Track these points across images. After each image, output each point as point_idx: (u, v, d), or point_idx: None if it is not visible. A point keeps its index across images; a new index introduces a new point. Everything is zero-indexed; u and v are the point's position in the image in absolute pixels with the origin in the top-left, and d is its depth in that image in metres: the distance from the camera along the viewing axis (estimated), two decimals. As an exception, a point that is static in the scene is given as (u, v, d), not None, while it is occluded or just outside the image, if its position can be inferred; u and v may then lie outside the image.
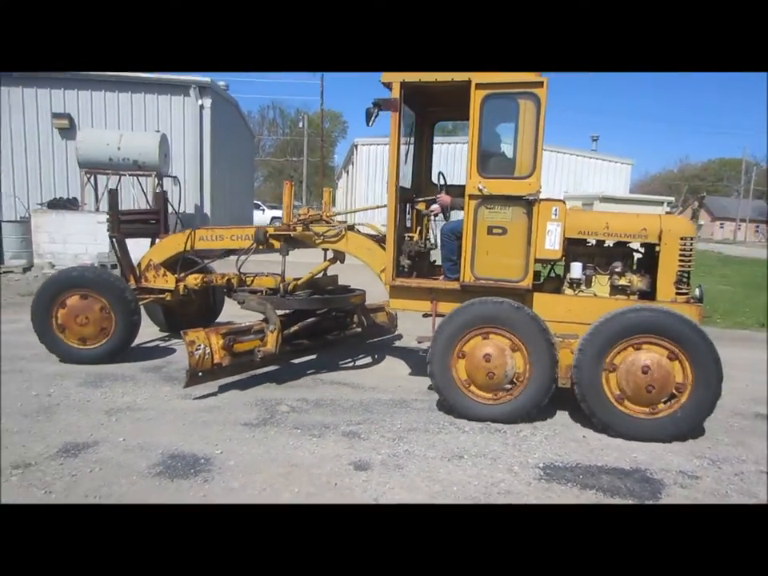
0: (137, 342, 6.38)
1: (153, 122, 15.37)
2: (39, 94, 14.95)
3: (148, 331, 7.13)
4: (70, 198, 14.12)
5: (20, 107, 14.94)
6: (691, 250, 4.65)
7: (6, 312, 8.36)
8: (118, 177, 13.57)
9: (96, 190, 13.80)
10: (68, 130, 15.05)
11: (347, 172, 31.92)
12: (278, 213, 28.33)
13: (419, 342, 5.16)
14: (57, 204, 13.40)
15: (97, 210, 13.21)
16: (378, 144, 27.99)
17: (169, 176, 14.12)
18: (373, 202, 24.62)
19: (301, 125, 52.24)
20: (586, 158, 28.12)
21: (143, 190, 14.16)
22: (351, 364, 6.48)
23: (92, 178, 13.68)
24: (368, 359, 6.65)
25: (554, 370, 4.48)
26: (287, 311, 5.95)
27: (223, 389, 5.30)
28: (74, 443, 4.03)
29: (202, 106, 15.35)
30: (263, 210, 31.74)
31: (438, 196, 5.55)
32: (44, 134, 15.13)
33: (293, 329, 5.77)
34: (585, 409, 4.45)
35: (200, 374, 5.02)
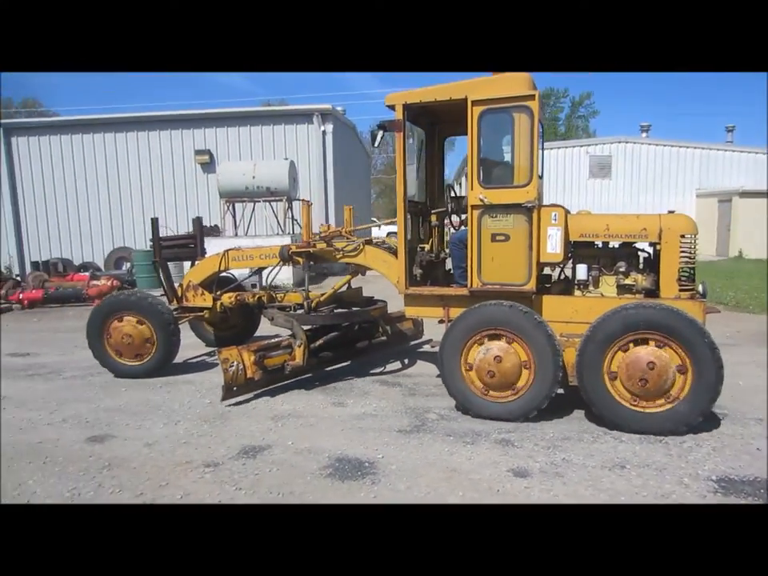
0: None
1: (281, 149, 16.50)
2: (184, 134, 16.63)
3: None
4: (212, 225, 15.49)
5: (169, 147, 16.69)
6: (692, 246, 4.73)
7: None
8: (252, 203, 14.69)
9: (234, 216, 15.03)
10: (208, 165, 16.58)
11: (460, 184, 31.93)
12: (392, 228, 28.92)
13: (433, 347, 5.32)
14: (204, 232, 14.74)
15: (235, 234, 14.36)
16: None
17: (297, 199, 15.03)
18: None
19: (411, 140, 53.11)
20: (719, 150, 25.99)
21: (275, 214, 15.20)
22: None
23: (230, 206, 14.92)
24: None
25: (557, 368, 4.60)
26: (313, 326, 6.26)
27: (373, 399, 5.57)
28: (251, 446, 4.44)
29: (324, 132, 16.21)
30: (379, 226, 32.52)
31: (455, 221, 5.98)
32: (188, 170, 16.77)
33: (318, 342, 6.09)
34: (585, 400, 4.60)
35: (235, 388, 5.42)
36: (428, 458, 4.15)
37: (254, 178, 14.24)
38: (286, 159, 15.03)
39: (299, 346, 5.77)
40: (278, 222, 15.10)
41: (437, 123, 6.34)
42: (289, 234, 13.59)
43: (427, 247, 5.95)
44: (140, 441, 4.62)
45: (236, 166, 14.78)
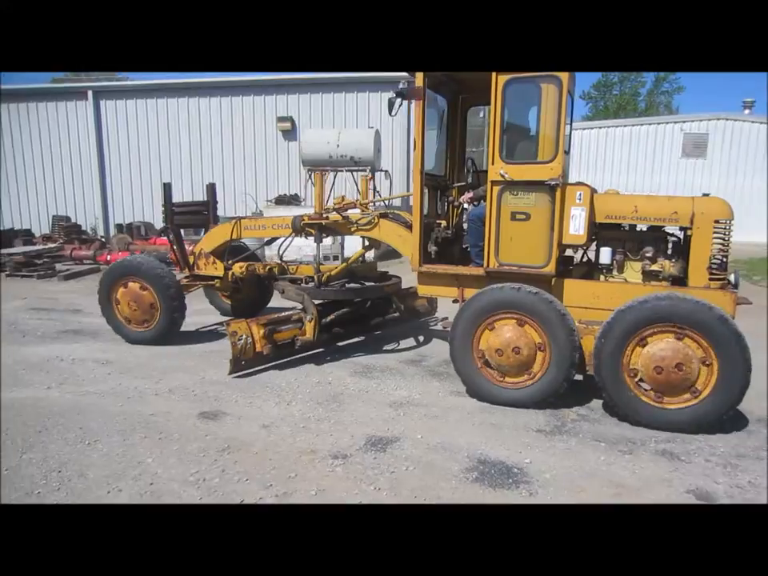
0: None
1: (363, 118, 15.95)
2: (267, 100, 16.33)
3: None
4: (293, 194, 15.23)
5: (251, 113, 16.46)
6: (727, 233, 4.41)
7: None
8: (335, 172, 14.28)
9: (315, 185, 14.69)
10: (290, 132, 16.25)
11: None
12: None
13: (444, 328, 5.15)
14: (282, 200, 14.52)
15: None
16: (575, 129, 26.45)
17: (381, 170, 14.52)
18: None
19: (481, 114, 51.56)
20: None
21: (356, 183, 14.76)
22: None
23: (311, 174, 14.58)
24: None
25: (573, 357, 4.38)
26: (324, 300, 6.07)
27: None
28: (376, 436, 4.04)
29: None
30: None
31: (462, 197, 5.58)
32: (270, 137, 16.50)
33: (329, 317, 5.91)
34: (605, 397, 4.36)
35: (243, 361, 5.30)
36: (584, 467, 3.61)
37: (338, 146, 13.77)
38: (371, 128, 14.50)
39: (310, 321, 5.61)
40: (357, 191, 14.65)
41: (461, 92, 5.98)
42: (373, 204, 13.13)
43: (444, 223, 5.58)
44: (255, 421, 4.30)
45: (320, 134, 14.34)
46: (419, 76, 4.88)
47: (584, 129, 26.31)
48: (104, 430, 4.11)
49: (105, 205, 17.68)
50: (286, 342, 5.57)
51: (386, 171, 14.45)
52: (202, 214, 7.29)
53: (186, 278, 6.96)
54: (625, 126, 25.62)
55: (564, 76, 4.34)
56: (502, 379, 4.65)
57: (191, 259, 6.93)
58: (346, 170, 14.08)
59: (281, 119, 16.16)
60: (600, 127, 26.12)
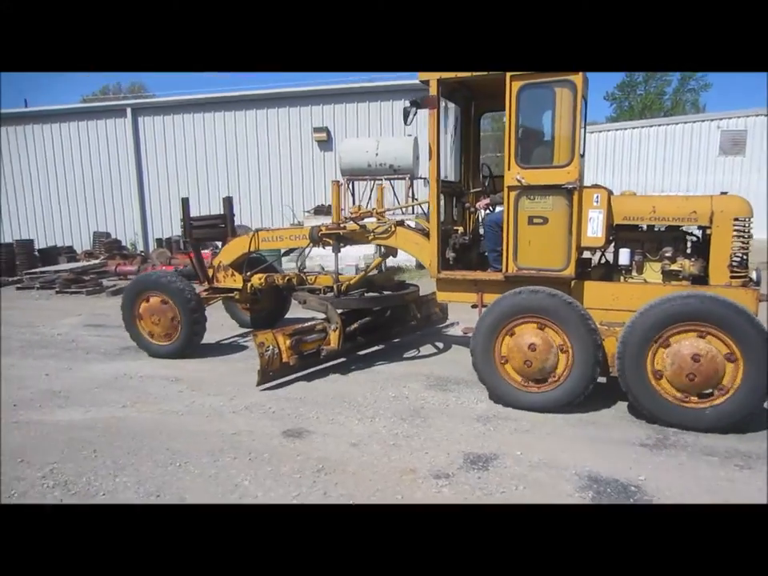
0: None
1: (399, 126, 15.87)
2: (302, 112, 16.37)
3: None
4: (329, 204, 15.20)
5: (287, 125, 16.50)
6: (747, 230, 4.38)
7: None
8: (372, 181, 14.21)
9: (353, 195, 14.64)
10: (325, 142, 16.25)
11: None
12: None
13: (465, 334, 5.21)
14: (321, 210, 14.48)
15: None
16: (609, 130, 26.09)
17: (420, 177, 14.41)
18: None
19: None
20: None
21: (394, 193, 14.68)
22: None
23: (350, 184, 14.53)
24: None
25: (597, 356, 4.38)
26: (345, 309, 6.06)
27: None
28: (474, 454, 3.88)
29: (446, 107, 15.39)
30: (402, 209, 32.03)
31: (478, 203, 5.56)
32: (306, 148, 16.52)
33: (353, 326, 5.88)
34: (630, 399, 4.32)
35: (270, 372, 5.26)
36: (704, 485, 3.40)
37: (377, 155, 13.71)
38: (410, 136, 14.41)
39: (334, 330, 5.62)
40: (396, 200, 14.56)
41: (473, 98, 6.03)
42: (412, 214, 13.01)
43: (461, 230, 5.63)
44: (342, 439, 4.18)
45: (359, 144, 14.30)
46: (433, 84, 4.89)
47: (618, 129, 25.94)
48: (191, 450, 4.02)
49: (144, 220, 17.88)
50: (311, 352, 5.58)
51: (425, 179, 14.38)
52: (219, 227, 7.29)
53: (205, 290, 7.00)
54: (660, 125, 25.17)
55: (578, 79, 4.33)
56: (526, 384, 4.63)
57: (210, 272, 7.00)
58: (385, 179, 14.02)
59: (317, 130, 16.17)
60: (635, 127, 25.72)
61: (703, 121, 24.68)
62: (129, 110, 17.26)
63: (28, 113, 18.46)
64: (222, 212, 7.39)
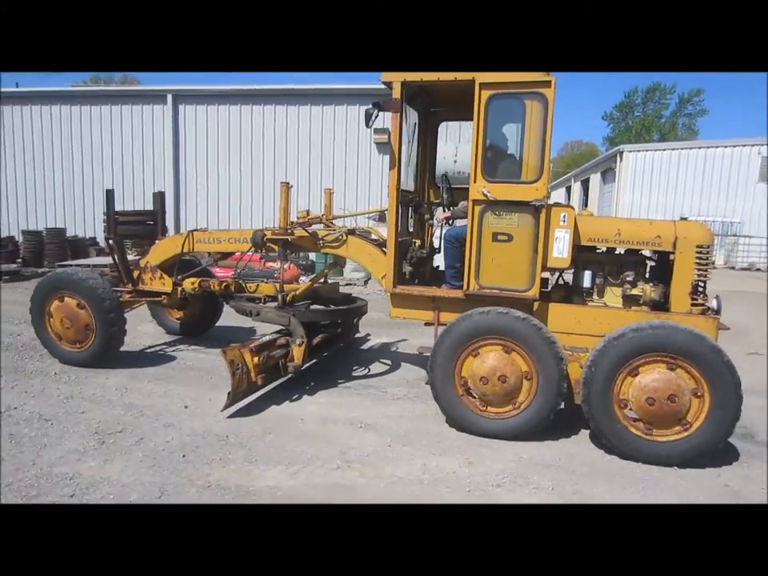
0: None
1: (466, 129, 14.91)
2: (360, 111, 15.25)
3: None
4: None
5: (343, 124, 15.38)
6: (708, 258, 4.42)
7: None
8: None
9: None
10: (385, 145, 15.15)
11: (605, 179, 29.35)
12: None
13: (420, 353, 5.04)
14: (384, 218, 13.41)
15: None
16: (648, 150, 25.56)
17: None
18: (638, 214, 22.65)
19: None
20: None
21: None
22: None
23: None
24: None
25: (561, 384, 4.25)
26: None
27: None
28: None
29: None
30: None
31: (438, 216, 5.45)
32: (363, 149, 15.41)
33: (316, 340, 5.61)
34: (593, 427, 4.19)
35: (240, 394, 4.81)
36: None
37: (455, 162, 12.69)
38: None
39: (300, 345, 5.20)
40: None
41: (435, 105, 5.83)
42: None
43: (418, 242, 5.51)
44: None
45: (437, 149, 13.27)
46: (396, 87, 4.68)
47: (656, 150, 25.43)
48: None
49: (177, 213, 16.52)
50: (272, 368, 5.13)
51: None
52: (147, 224, 6.68)
53: (128, 293, 6.39)
54: (700, 147, 24.73)
55: (549, 93, 4.25)
56: (484, 409, 4.43)
57: (136, 273, 6.38)
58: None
59: (377, 131, 15.04)
60: (673, 149, 25.23)
61: (744, 146, 24.30)
62: (169, 97, 15.93)
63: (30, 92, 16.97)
64: (153, 208, 6.78)
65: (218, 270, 11.91)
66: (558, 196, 39.89)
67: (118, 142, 16.48)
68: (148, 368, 5.94)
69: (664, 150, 25.36)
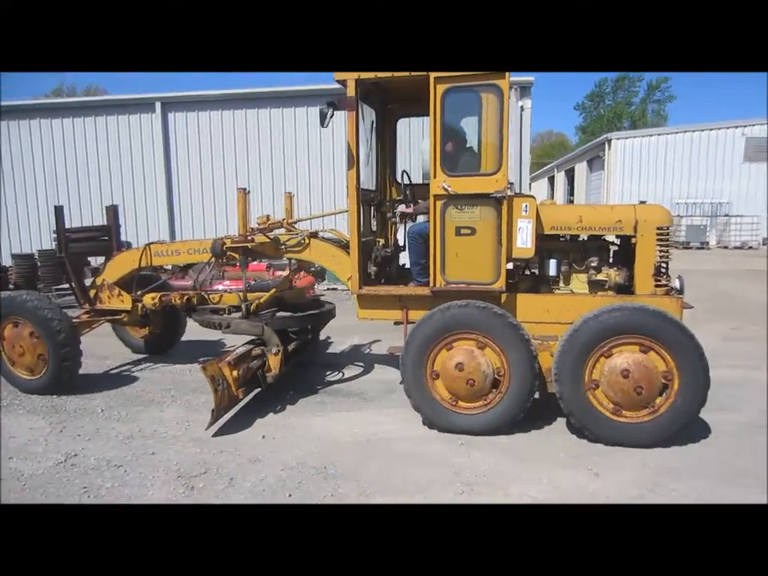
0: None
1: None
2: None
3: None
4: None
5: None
6: (668, 239, 4.48)
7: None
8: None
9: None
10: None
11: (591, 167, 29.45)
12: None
13: (391, 354, 4.99)
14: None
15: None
16: (635, 137, 25.72)
17: (510, 183, 13.25)
18: (629, 201, 22.80)
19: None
20: None
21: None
22: None
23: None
24: None
25: (534, 373, 4.26)
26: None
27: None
28: None
29: (522, 108, 14.35)
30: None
31: (398, 209, 5.37)
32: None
33: (291, 347, 5.56)
34: (563, 408, 4.21)
35: (222, 410, 4.67)
36: None
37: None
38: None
39: (276, 354, 5.09)
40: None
41: (389, 102, 5.77)
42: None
43: (382, 242, 5.46)
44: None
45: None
46: (351, 84, 4.60)
47: (644, 136, 25.63)
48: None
49: (172, 223, 15.91)
50: (250, 380, 5.01)
51: (512, 183, 13.25)
52: (100, 239, 6.35)
53: (86, 313, 6.14)
54: (685, 131, 25.02)
55: (504, 84, 4.22)
56: (454, 404, 4.41)
57: (92, 292, 6.13)
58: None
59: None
60: (660, 134, 25.47)
61: (728, 128, 24.64)
62: (158, 105, 15.34)
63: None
64: (106, 223, 6.41)
65: (227, 282, 11.60)
66: (540, 187, 40.02)
67: (105, 154, 15.73)
68: (199, 396, 5.48)
69: (651, 135, 25.65)
